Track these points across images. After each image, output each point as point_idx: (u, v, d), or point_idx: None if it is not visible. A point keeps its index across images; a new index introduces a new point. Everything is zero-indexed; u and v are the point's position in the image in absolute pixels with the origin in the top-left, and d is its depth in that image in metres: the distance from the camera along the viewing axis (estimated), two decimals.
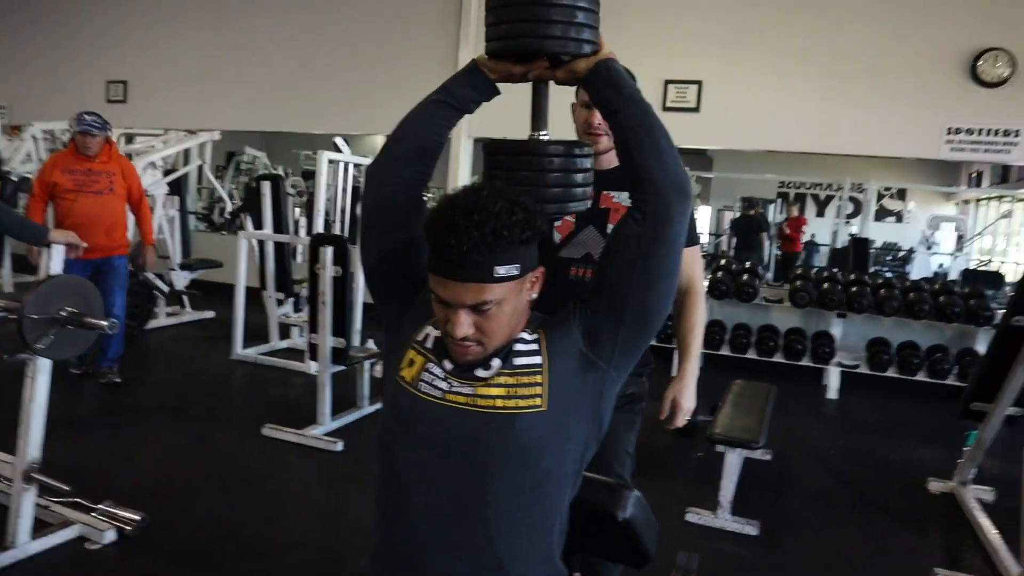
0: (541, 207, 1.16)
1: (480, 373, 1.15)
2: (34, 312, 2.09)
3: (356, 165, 6.02)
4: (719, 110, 5.92)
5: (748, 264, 5.91)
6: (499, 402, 1.13)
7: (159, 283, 5.98)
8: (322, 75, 6.91)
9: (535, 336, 1.18)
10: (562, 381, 1.15)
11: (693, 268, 1.92)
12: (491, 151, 1.30)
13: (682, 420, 1.91)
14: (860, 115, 5.54)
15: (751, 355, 5.63)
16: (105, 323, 2.12)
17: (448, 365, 1.17)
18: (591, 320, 1.18)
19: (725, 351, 5.68)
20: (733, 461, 2.99)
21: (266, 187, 5.40)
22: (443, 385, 1.16)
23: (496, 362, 1.15)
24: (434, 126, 1.28)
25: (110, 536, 2.50)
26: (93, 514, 2.56)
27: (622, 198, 1.85)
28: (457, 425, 1.14)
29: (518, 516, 1.13)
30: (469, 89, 1.28)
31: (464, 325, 1.09)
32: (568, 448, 1.16)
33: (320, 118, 6.96)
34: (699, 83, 5.94)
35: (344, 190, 6.01)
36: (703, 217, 12.02)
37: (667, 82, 6.00)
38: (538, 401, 1.13)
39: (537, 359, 1.15)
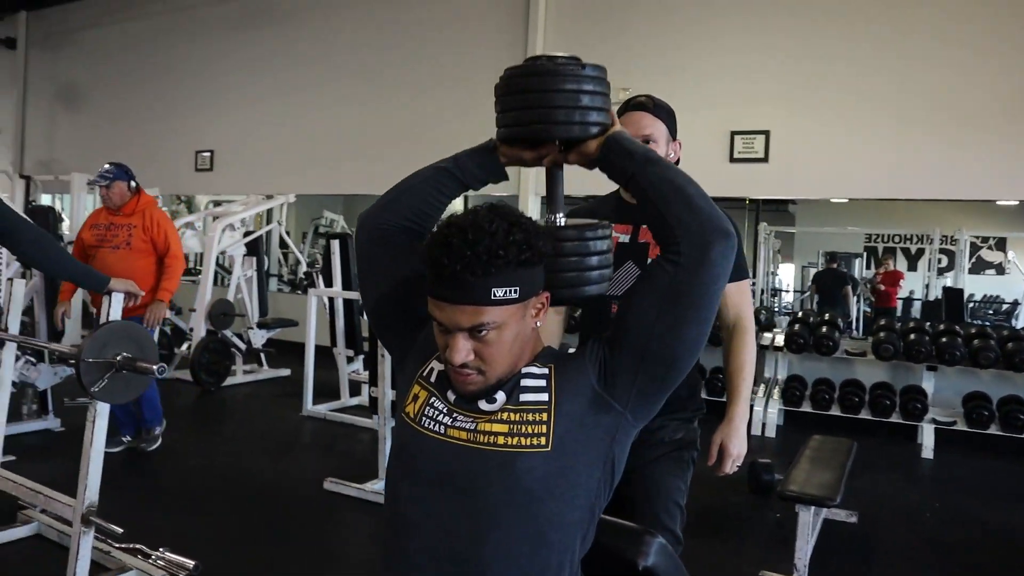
0: (543, 228, 1.11)
1: (484, 406, 1.09)
2: (91, 356, 2.16)
3: None
4: (788, 159, 5.79)
5: (827, 316, 5.63)
6: (500, 439, 1.06)
7: (237, 341, 6.19)
8: (396, 137, 7.17)
9: (545, 371, 1.12)
10: (570, 421, 1.07)
11: (741, 303, 1.84)
12: None
13: (731, 466, 1.79)
14: (943, 157, 5.30)
15: (834, 411, 5.31)
16: (155, 367, 2.17)
17: (451, 396, 1.12)
18: (610, 360, 1.11)
19: (806, 407, 5.38)
20: (808, 520, 2.76)
21: (335, 245, 5.55)
22: (445, 420, 1.11)
23: (501, 395, 1.09)
24: (436, 193, 1.27)
25: None
26: (150, 560, 2.58)
27: None
28: (457, 462, 1.08)
29: (519, 563, 1.04)
30: (478, 168, 1.26)
31: (462, 351, 1.05)
32: (575, 494, 1.07)
33: (394, 179, 7.16)
34: (766, 133, 5.84)
35: None
36: (786, 275, 11.64)
37: (733, 133, 5.93)
38: (542, 441, 1.05)
39: (544, 396, 1.09)
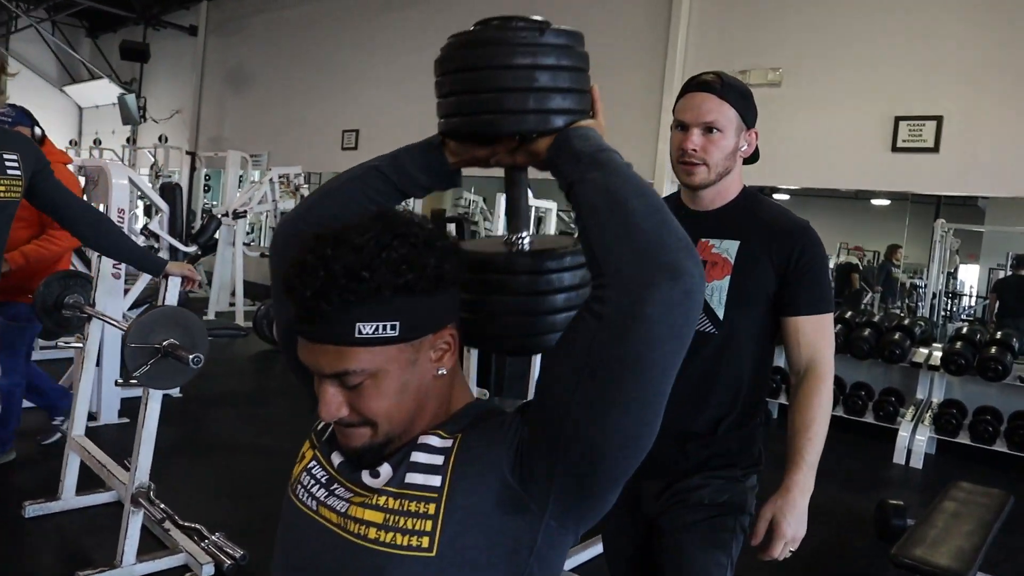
0: (453, 244, 0.84)
1: (366, 479, 0.83)
2: (135, 341, 2.15)
3: (538, 209, 5.92)
4: (963, 149, 4.96)
5: (1000, 334, 4.81)
6: (372, 532, 0.79)
7: None
8: None
9: (447, 443, 0.83)
10: (466, 519, 0.78)
11: (818, 342, 1.46)
12: None
13: (781, 550, 1.40)
14: None
15: (999, 447, 4.53)
16: (191, 357, 2.12)
17: (336, 460, 0.87)
18: (526, 438, 0.80)
19: (963, 438, 4.64)
20: None
21: (451, 229, 5.48)
22: (319, 493, 0.86)
23: (387, 469, 0.82)
24: (363, 200, 0.95)
25: (208, 570, 2.49)
26: (204, 543, 2.58)
27: (726, 249, 1.48)
28: (324, 552, 0.83)
29: None
30: (420, 171, 0.95)
31: (331, 404, 0.79)
32: None
33: None
34: (938, 119, 5.04)
35: None
36: (970, 277, 10.29)
37: (898, 119, 5.18)
38: (424, 543, 0.77)
39: (435, 480, 0.80)
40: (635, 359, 0.71)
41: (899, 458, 4.63)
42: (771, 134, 5.59)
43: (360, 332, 0.76)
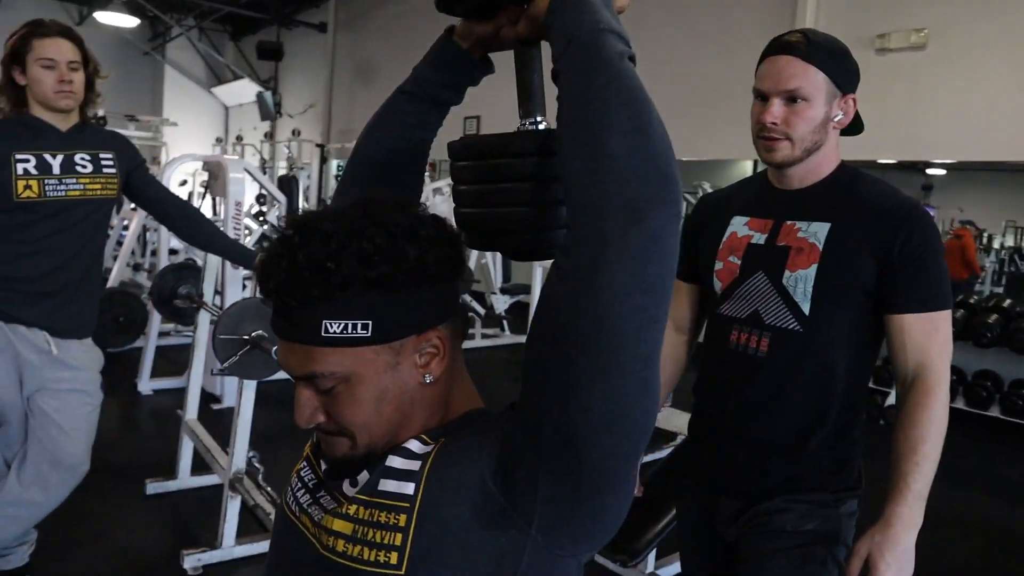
0: (446, 234, 0.73)
1: (347, 488, 0.75)
2: (224, 332, 2.20)
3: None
4: None
5: None
6: (340, 545, 0.71)
7: (476, 305, 6.33)
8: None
9: (427, 448, 0.73)
10: (440, 532, 0.68)
11: (929, 346, 1.22)
12: (453, 155, 0.87)
13: None
14: None
15: None
16: (273, 350, 2.14)
17: (325, 465, 0.80)
18: (510, 439, 0.69)
19: None
20: None
21: None
22: (303, 498, 0.79)
23: (364, 476, 0.73)
24: (401, 125, 0.91)
25: None
26: None
27: (814, 232, 1.27)
28: (299, 562, 0.76)
29: None
30: (436, 70, 0.89)
31: (305, 408, 0.71)
32: None
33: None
34: None
35: None
36: None
37: None
38: (392, 558, 0.68)
39: (408, 487, 0.70)
40: (600, 320, 0.60)
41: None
42: (915, 103, 5.12)
43: (327, 331, 0.67)
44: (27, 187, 1.86)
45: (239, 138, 11.79)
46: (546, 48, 0.79)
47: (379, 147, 0.93)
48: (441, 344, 0.73)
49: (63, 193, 1.91)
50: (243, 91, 12.32)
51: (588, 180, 0.63)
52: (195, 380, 3.02)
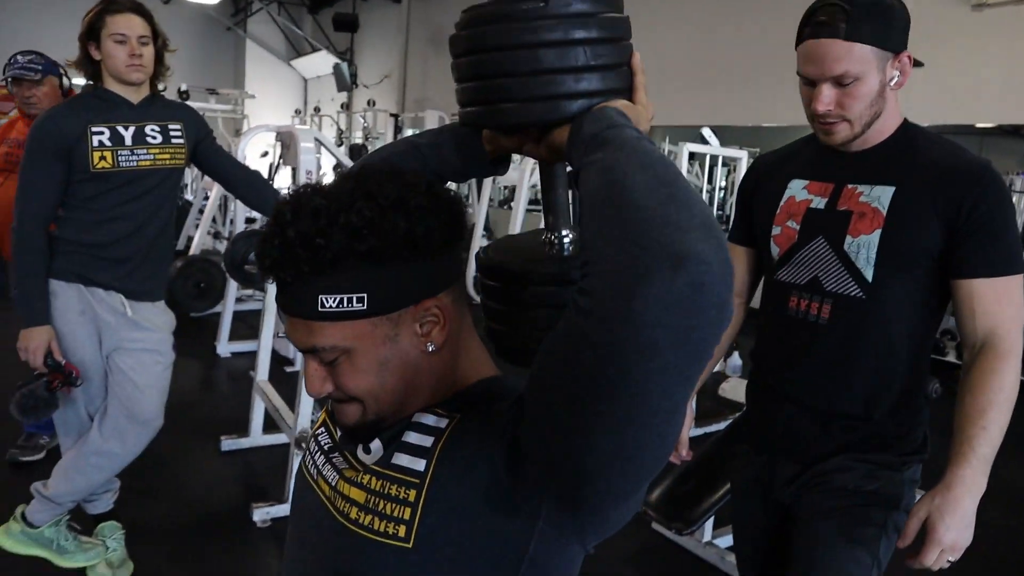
0: (443, 200, 0.73)
1: (361, 455, 0.76)
2: None
3: (725, 162, 5.49)
4: None
5: None
6: (355, 512, 0.73)
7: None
8: (707, 64, 6.49)
9: (442, 424, 0.73)
10: (448, 511, 0.69)
11: (1001, 311, 1.17)
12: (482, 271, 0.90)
13: (935, 558, 1.14)
14: None
15: None
16: None
17: (338, 431, 0.82)
18: (517, 436, 0.68)
19: None
20: None
21: None
22: (320, 460, 0.82)
23: (376, 446, 0.74)
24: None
25: None
26: None
27: (877, 197, 1.22)
28: (316, 524, 0.79)
29: None
30: (454, 153, 0.86)
31: (314, 379, 0.73)
32: None
33: (688, 111, 6.57)
34: None
35: (715, 187, 5.54)
36: None
37: None
38: (400, 531, 0.69)
39: (421, 463, 0.71)
40: (624, 371, 0.54)
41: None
42: (1015, 63, 4.76)
43: (323, 306, 0.68)
44: (102, 158, 1.96)
45: (317, 109, 12.06)
46: None
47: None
48: (441, 313, 0.73)
49: (135, 163, 2.01)
50: (321, 63, 12.56)
51: (616, 229, 0.56)
52: (265, 343, 3.15)
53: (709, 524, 2.52)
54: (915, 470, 1.32)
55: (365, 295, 0.68)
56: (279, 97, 13.18)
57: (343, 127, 11.58)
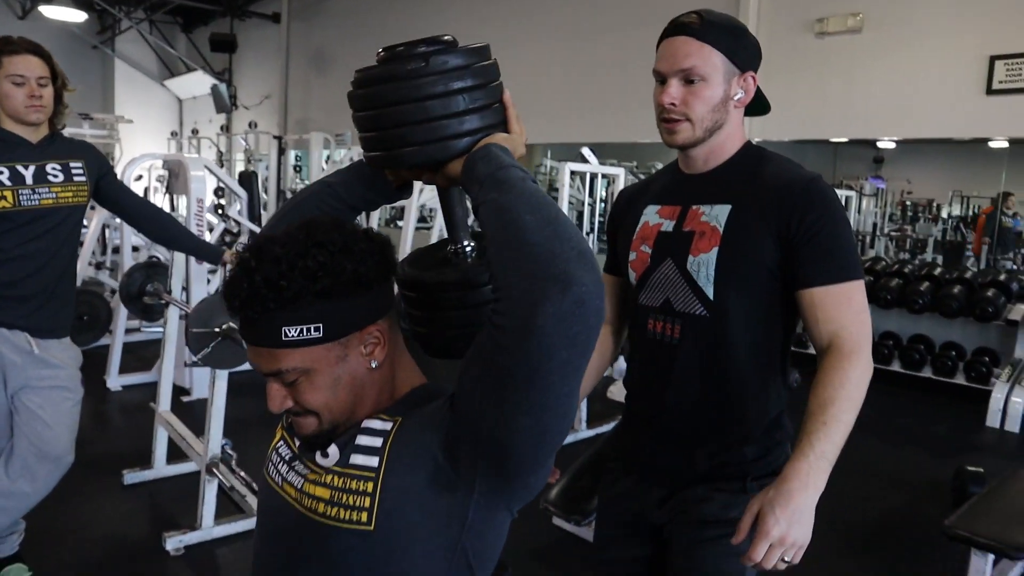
0: (377, 244, 0.90)
1: (319, 459, 0.91)
2: (196, 326, 2.33)
3: (604, 176, 5.86)
4: None
5: None
6: (321, 507, 0.88)
7: None
8: (593, 84, 6.89)
9: (387, 426, 0.90)
10: (401, 496, 0.85)
11: (841, 317, 1.19)
12: (401, 284, 1.08)
13: (767, 555, 1.09)
14: None
15: None
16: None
17: (298, 441, 0.97)
18: (452, 425, 0.86)
19: None
20: (980, 569, 2.20)
21: None
22: (283, 469, 0.96)
23: (334, 450, 0.90)
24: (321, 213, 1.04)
25: None
26: None
27: (716, 216, 1.27)
28: (285, 522, 0.93)
29: None
30: (365, 189, 1.05)
31: (275, 398, 0.88)
32: None
33: (585, 127, 6.96)
34: None
35: (595, 199, 5.89)
36: None
37: (993, 58, 4.80)
38: (363, 517, 0.85)
39: (373, 460, 0.87)
40: (533, 369, 0.75)
41: (993, 421, 4.40)
42: (852, 83, 5.38)
43: (286, 336, 0.84)
44: (2, 197, 1.97)
45: (195, 131, 11.70)
46: None
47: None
48: (381, 335, 0.90)
49: (37, 202, 2.02)
50: (197, 83, 12.21)
51: (516, 265, 0.77)
52: (167, 374, 3.14)
53: None
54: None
55: (321, 324, 0.84)
56: (152, 119, 12.69)
57: (223, 149, 11.28)
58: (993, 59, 4.81)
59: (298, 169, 10.85)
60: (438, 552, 0.86)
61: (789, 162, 1.30)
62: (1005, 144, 5.41)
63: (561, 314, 0.73)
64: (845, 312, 1.19)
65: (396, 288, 1.02)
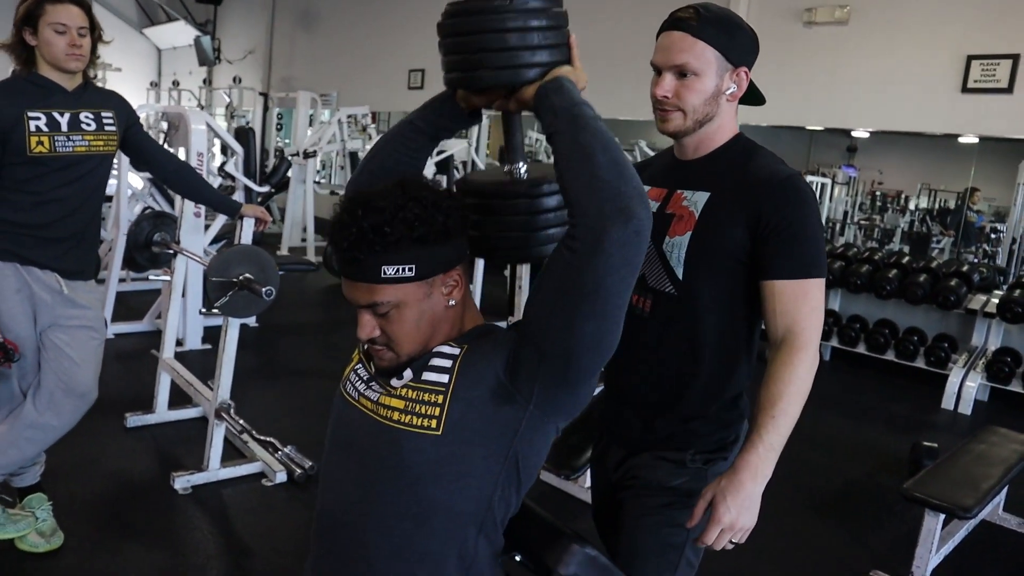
0: (456, 204, 1.06)
1: (394, 382, 1.07)
2: (214, 275, 2.43)
3: None
4: None
5: None
6: (395, 415, 1.05)
7: None
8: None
9: (456, 351, 1.07)
10: (466, 407, 1.03)
11: (796, 310, 1.24)
12: (461, 190, 1.27)
13: (718, 539, 1.19)
14: None
15: None
16: (263, 290, 2.39)
17: (374, 367, 1.13)
18: (517, 348, 1.04)
19: (1017, 387, 4.62)
20: (932, 528, 2.42)
21: None
22: (360, 387, 1.12)
23: (408, 373, 1.06)
24: (406, 150, 1.23)
25: (281, 477, 2.84)
26: (277, 454, 2.92)
27: (695, 202, 1.33)
28: (361, 431, 1.09)
29: (397, 542, 1.05)
30: (440, 116, 1.22)
31: (366, 327, 1.05)
32: (467, 484, 1.04)
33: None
34: (1014, 57, 4.85)
35: None
36: None
37: (970, 58, 5.01)
38: (433, 424, 1.02)
39: (444, 377, 1.04)
40: (598, 282, 0.94)
41: (948, 403, 4.67)
42: (837, 74, 5.56)
43: (385, 273, 1.00)
44: (39, 143, 2.04)
45: (175, 83, 11.53)
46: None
47: (383, 170, 1.21)
48: (460, 279, 1.08)
49: (71, 149, 2.10)
50: (178, 34, 12.00)
51: (590, 197, 0.95)
52: (171, 322, 3.23)
53: (590, 472, 2.94)
54: (721, 465, 1.34)
55: (414, 265, 1.01)
56: (130, 68, 12.39)
57: (204, 103, 11.15)
58: (970, 58, 5.02)
59: (279, 128, 10.80)
60: (495, 456, 1.04)
61: (773, 157, 1.35)
62: (975, 140, 5.64)
63: (623, 240, 0.93)
64: (801, 307, 1.24)
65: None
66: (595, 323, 0.97)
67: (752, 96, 1.39)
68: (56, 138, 2.07)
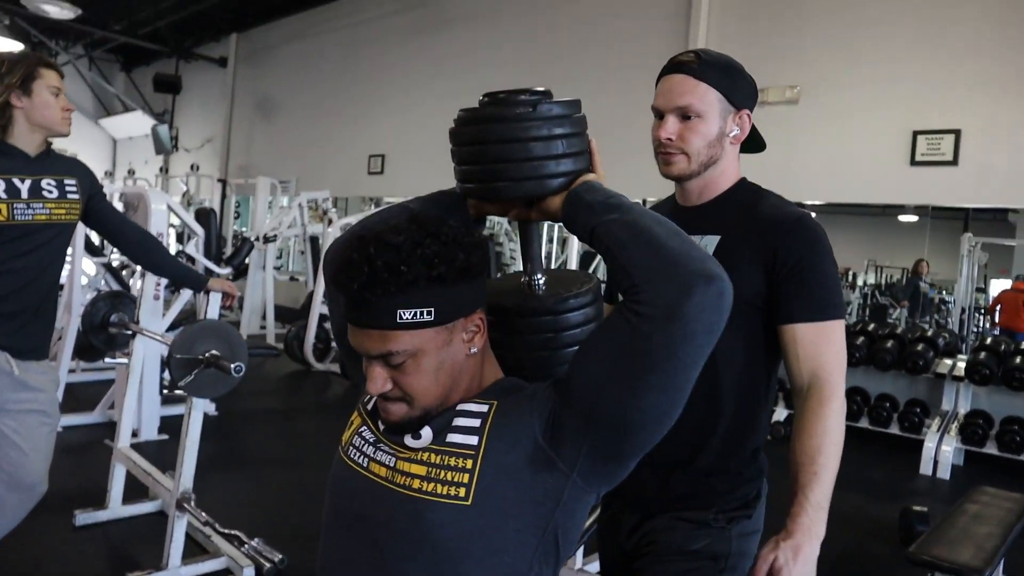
0: (478, 239, 0.96)
1: (409, 442, 0.95)
2: (179, 352, 2.28)
3: None
4: (982, 162, 5.01)
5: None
6: (416, 483, 0.92)
7: None
8: None
9: (484, 408, 0.95)
10: (500, 474, 0.91)
11: (821, 355, 1.21)
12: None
13: None
14: None
15: None
16: (232, 366, 2.25)
17: (382, 425, 1.00)
18: (559, 410, 0.92)
19: (991, 448, 4.61)
20: None
21: None
22: (369, 451, 0.99)
23: (427, 432, 0.95)
24: None
25: (249, 573, 2.60)
26: (243, 548, 2.69)
27: (705, 246, 1.29)
28: (372, 503, 0.96)
29: None
30: (446, 214, 1.08)
31: (377, 380, 0.92)
32: (498, 561, 0.91)
33: None
34: (956, 132, 5.09)
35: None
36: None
37: (916, 133, 5.24)
38: (461, 492, 0.90)
39: (473, 439, 0.92)
40: (672, 352, 0.84)
41: (926, 469, 4.63)
42: (790, 150, 5.75)
43: (401, 318, 0.88)
44: None
45: (131, 172, 11.42)
46: None
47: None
48: (482, 323, 0.96)
49: (30, 217, 1.98)
50: (133, 124, 11.97)
51: (658, 262, 0.86)
52: (128, 407, 3.02)
53: (580, 552, 2.77)
54: (744, 526, 1.30)
55: (433, 309, 0.90)
56: (84, 157, 12.24)
57: (161, 191, 11.03)
58: (916, 133, 5.26)
59: (237, 215, 10.70)
60: (531, 528, 0.91)
61: (781, 199, 1.33)
62: (915, 219, 5.86)
63: (705, 304, 0.83)
64: (825, 351, 1.21)
65: None
66: (662, 396, 0.86)
67: (754, 143, 1.37)
68: (15, 206, 1.95)
